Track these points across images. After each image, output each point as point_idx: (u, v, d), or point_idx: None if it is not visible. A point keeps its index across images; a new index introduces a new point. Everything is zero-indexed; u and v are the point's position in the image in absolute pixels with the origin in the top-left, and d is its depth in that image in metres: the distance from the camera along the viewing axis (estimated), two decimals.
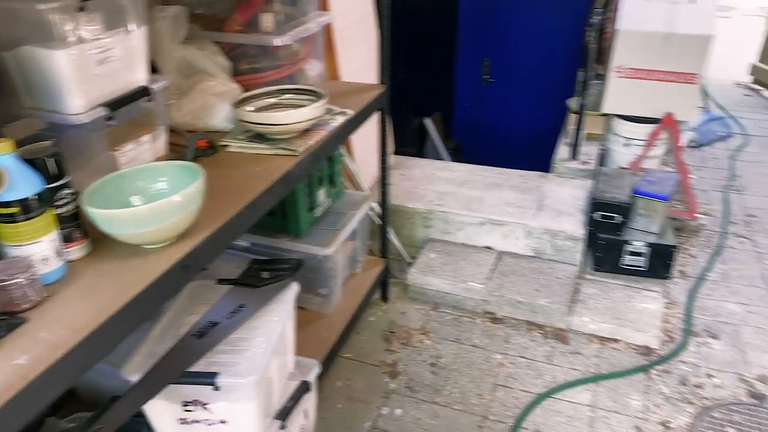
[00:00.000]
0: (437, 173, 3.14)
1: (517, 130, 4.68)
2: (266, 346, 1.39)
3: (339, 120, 1.81)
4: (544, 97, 4.38)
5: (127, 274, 1.13)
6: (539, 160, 3.59)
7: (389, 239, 2.66)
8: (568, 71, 4.02)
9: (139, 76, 1.42)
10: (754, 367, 2.26)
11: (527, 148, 4.43)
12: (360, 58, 2.63)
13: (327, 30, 2.34)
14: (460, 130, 4.94)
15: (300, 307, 2.22)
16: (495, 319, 2.53)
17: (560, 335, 2.43)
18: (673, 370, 2.25)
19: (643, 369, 2.26)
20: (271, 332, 1.44)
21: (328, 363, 2.08)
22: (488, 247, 2.80)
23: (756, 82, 5.13)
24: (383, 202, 2.44)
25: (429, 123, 4.43)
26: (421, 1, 3.95)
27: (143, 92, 1.42)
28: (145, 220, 1.14)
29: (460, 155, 4.50)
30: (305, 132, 1.70)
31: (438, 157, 4.14)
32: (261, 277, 1.62)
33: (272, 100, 1.78)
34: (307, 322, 2.17)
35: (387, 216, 2.49)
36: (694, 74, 2.99)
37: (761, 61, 5.05)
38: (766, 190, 3.56)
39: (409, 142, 4.08)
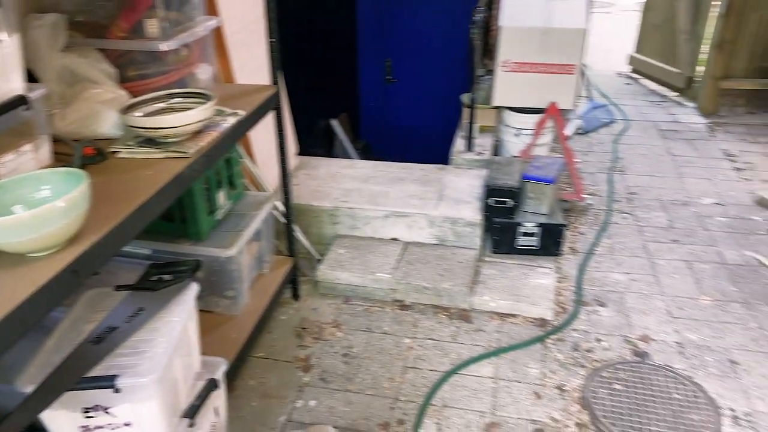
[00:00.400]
0: (342, 171, 3.22)
1: (420, 127, 4.85)
2: (166, 346, 1.41)
3: (231, 121, 1.84)
4: (442, 93, 4.56)
5: (11, 283, 1.12)
6: (441, 154, 3.74)
7: (296, 238, 2.70)
8: (464, 68, 4.21)
9: (15, 85, 1.39)
10: (636, 329, 2.49)
11: (430, 143, 4.60)
12: (256, 61, 2.66)
13: (218, 34, 2.36)
14: (368, 129, 5.06)
15: (207, 311, 2.23)
16: (403, 306, 2.64)
17: (464, 315, 2.57)
18: (566, 338, 2.44)
19: (540, 339, 2.43)
20: (171, 332, 1.46)
21: (239, 363, 2.10)
22: (394, 239, 2.91)
23: (634, 71, 5.57)
24: (286, 201, 2.48)
25: (336, 124, 4.50)
26: (320, 5, 4.01)
27: (20, 101, 1.40)
28: (27, 227, 1.14)
29: (369, 154, 4.60)
30: (196, 134, 1.72)
31: (347, 158, 4.22)
32: (159, 280, 1.62)
33: (161, 105, 1.79)
34: (216, 324, 2.19)
35: (291, 215, 2.54)
36: (572, 65, 3.23)
37: (637, 51, 5.48)
38: (645, 170, 3.89)
39: (317, 143, 4.13)
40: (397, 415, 2.08)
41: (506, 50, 3.22)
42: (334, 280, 2.70)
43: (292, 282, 2.64)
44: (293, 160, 3.19)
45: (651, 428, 2.00)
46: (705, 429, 2.00)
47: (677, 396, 2.14)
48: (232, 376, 2.06)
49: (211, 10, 2.29)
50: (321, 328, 2.50)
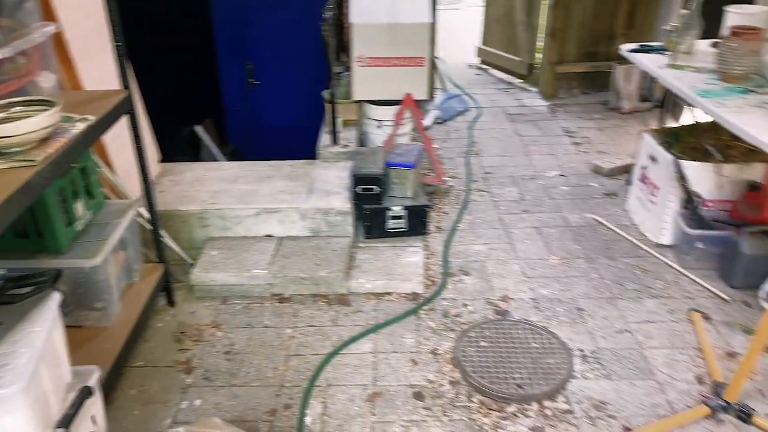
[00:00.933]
0: (209, 174, 3.20)
1: (288, 127, 4.89)
2: (30, 356, 1.38)
3: (80, 126, 1.81)
4: (306, 92, 4.63)
5: None
6: (311, 151, 3.83)
7: (165, 244, 2.67)
8: (324, 66, 4.32)
9: None
10: (497, 291, 2.74)
11: (299, 141, 4.65)
12: (104, 67, 2.58)
13: (59, 40, 2.28)
14: (236, 134, 5.01)
15: (78, 326, 2.15)
16: (283, 299, 2.70)
17: (342, 299, 2.68)
18: (437, 308, 2.63)
19: (413, 312, 2.60)
20: (34, 342, 1.42)
21: (116, 374, 2.06)
22: (268, 235, 2.95)
23: (483, 62, 5.99)
24: (151, 208, 2.45)
25: (200, 130, 4.44)
26: (174, 13, 3.94)
27: None
28: None
29: (239, 159, 4.58)
30: (43, 142, 1.67)
31: None
32: (17, 293, 1.57)
33: (1, 115, 1.72)
34: (88, 337, 2.12)
35: (157, 221, 2.50)
36: (422, 57, 3.45)
37: (483, 44, 5.91)
38: (497, 151, 4.22)
39: (182, 151, 4.06)
40: (283, 401, 2.14)
41: (359, 46, 3.37)
42: (209, 282, 2.69)
43: (165, 289, 2.60)
44: (156, 167, 3.12)
45: (514, 375, 2.22)
46: (560, 369, 2.26)
47: (535, 344, 2.39)
48: (109, 387, 2.02)
49: (49, 16, 2.21)
50: (200, 331, 2.50)
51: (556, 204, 3.49)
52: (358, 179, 2.94)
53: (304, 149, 4.09)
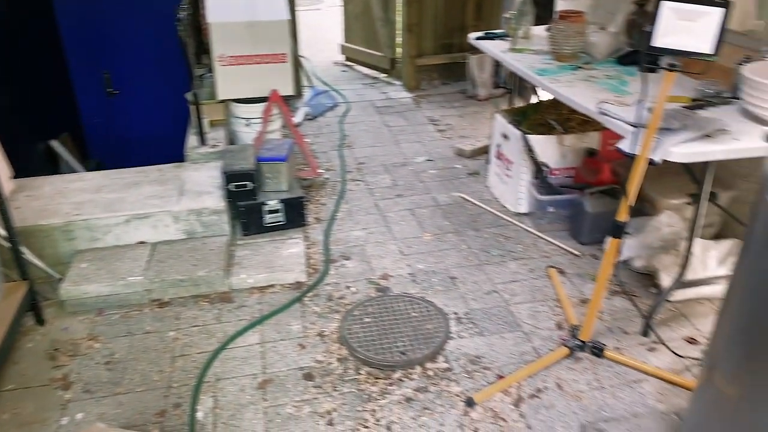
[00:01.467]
0: (70, 186, 3.05)
1: (155, 135, 4.73)
2: None
3: None
4: (170, 96, 4.51)
5: None
6: (180, 155, 3.75)
7: (27, 261, 2.52)
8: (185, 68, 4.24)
9: None
10: (377, 271, 2.86)
11: (168, 148, 4.52)
12: None
13: None
14: (98, 148, 4.77)
15: None
16: (163, 304, 2.64)
17: (225, 297, 2.68)
18: (320, 293, 2.71)
19: (298, 300, 2.66)
20: None
21: None
22: (141, 242, 2.87)
23: (347, 59, 6.14)
24: (7, 224, 2.31)
25: (57, 145, 4.18)
26: (15, 19, 3.68)
27: None
28: None
29: None
30: None
31: None
32: None
33: None
34: None
35: (16, 239, 2.36)
36: (284, 54, 3.50)
37: (346, 41, 6.06)
38: (368, 142, 4.38)
39: (39, 167, 3.80)
40: (172, 401, 2.12)
41: (219, 45, 3.36)
42: (81, 295, 2.58)
43: (32, 307, 2.46)
44: (8, 183, 2.92)
45: (397, 344, 2.36)
46: (438, 333, 2.43)
47: (414, 314, 2.54)
48: None
49: None
50: (76, 345, 2.39)
51: (426, 186, 3.70)
52: (230, 176, 2.94)
53: (176, 156, 4.00)
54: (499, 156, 3.48)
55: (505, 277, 2.80)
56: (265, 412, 2.07)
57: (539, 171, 3.19)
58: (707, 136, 2.04)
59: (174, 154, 4.07)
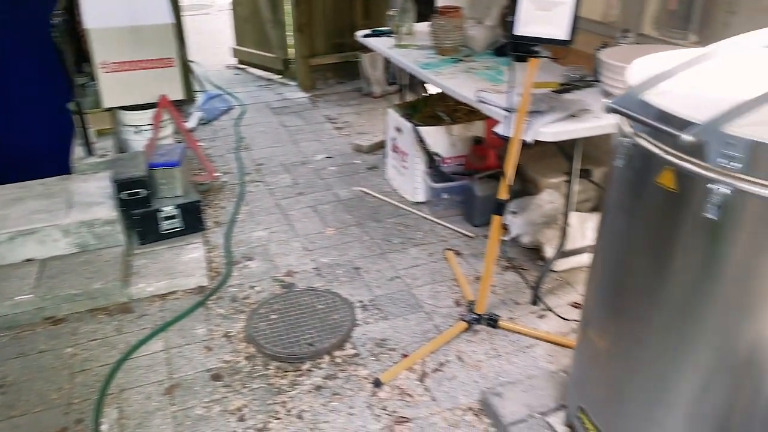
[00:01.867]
0: None
1: (35, 148, 4.46)
2: None
3: None
4: (51, 107, 4.28)
5: None
6: (65, 167, 3.58)
7: None
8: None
9: None
10: (281, 268, 2.89)
11: (49, 160, 4.30)
12: None
13: None
14: None
15: None
16: (57, 321, 2.53)
17: (125, 308, 2.61)
18: (224, 295, 2.70)
19: (201, 304, 2.63)
20: None
21: None
22: (29, 260, 2.73)
23: (240, 62, 6.08)
24: None
25: None
26: None
27: None
28: None
29: None
30: None
31: None
32: None
33: None
34: None
35: None
36: (171, 58, 3.43)
37: (238, 44, 6.00)
38: (266, 143, 4.37)
39: None
40: (73, 417, 2.05)
41: (100, 52, 3.24)
42: None
43: None
44: None
45: (305, 337, 2.40)
46: (344, 322, 2.49)
47: (321, 306, 2.59)
48: None
49: None
50: None
51: (326, 183, 3.76)
52: (121, 185, 2.86)
53: (62, 169, 3.81)
54: (395, 149, 3.60)
55: (407, 263, 2.91)
56: (174, 417, 2.05)
57: (432, 161, 3.34)
58: (572, 116, 2.24)
59: (59, 167, 3.88)
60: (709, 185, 1.18)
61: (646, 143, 1.32)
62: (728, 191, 1.16)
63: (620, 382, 1.59)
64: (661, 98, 1.28)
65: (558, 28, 1.89)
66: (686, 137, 1.11)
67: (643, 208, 1.39)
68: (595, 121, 2.21)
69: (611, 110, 1.32)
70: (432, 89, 3.71)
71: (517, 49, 2.00)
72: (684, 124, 1.16)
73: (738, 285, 1.25)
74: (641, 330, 1.48)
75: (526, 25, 1.92)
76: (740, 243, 1.22)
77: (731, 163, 1.13)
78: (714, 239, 1.24)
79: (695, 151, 1.17)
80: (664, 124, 1.21)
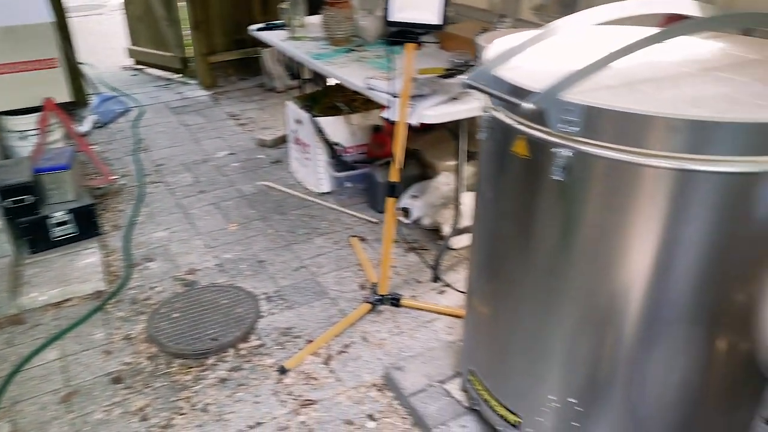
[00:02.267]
0: None
1: None
2: None
3: None
4: None
5: None
6: None
7: None
8: None
9: None
10: (183, 267, 2.85)
11: None
12: None
13: None
14: None
15: None
16: None
17: (15, 320, 2.49)
18: (124, 298, 2.63)
19: (99, 309, 2.56)
20: None
21: None
22: None
23: (137, 62, 5.88)
24: None
25: None
26: None
27: None
28: None
29: None
30: None
31: None
32: None
33: None
34: None
35: None
36: (53, 59, 3.29)
37: (133, 44, 5.80)
38: (166, 143, 4.27)
39: None
40: None
41: None
42: None
43: None
44: None
45: (209, 332, 2.39)
46: (248, 315, 2.50)
47: (224, 301, 2.58)
48: None
49: None
50: None
51: (229, 179, 3.72)
52: (4, 192, 2.72)
53: None
54: (297, 141, 3.61)
55: (312, 252, 2.95)
56: (71, 424, 1.99)
57: (333, 151, 3.38)
58: (454, 98, 2.35)
59: None
60: (553, 149, 1.29)
61: (502, 116, 1.42)
62: (570, 154, 1.27)
63: (502, 343, 1.70)
64: (510, 72, 1.38)
65: (430, 13, 1.98)
66: (526, 105, 1.21)
67: (505, 176, 1.49)
68: (476, 102, 2.32)
69: (467, 86, 1.41)
70: (331, 81, 3.75)
71: (396, 35, 2.07)
72: (527, 95, 1.26)
73: (592, 242, 1.37)
74: (515, 292, 1.59)
75: (400, 11, 1.99)
76: (589, 202, 1.33)
77: (570, 128, 1.24)
78: (565, 200, 1.35)
79: (539, 118, 1.28)
80: (512, 96, 1.30)
